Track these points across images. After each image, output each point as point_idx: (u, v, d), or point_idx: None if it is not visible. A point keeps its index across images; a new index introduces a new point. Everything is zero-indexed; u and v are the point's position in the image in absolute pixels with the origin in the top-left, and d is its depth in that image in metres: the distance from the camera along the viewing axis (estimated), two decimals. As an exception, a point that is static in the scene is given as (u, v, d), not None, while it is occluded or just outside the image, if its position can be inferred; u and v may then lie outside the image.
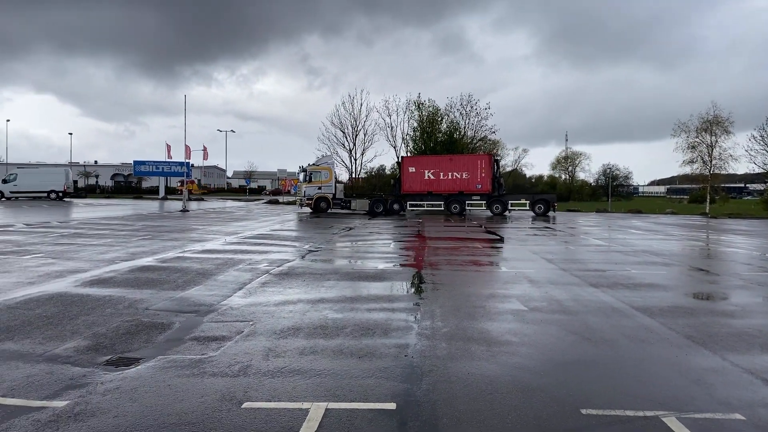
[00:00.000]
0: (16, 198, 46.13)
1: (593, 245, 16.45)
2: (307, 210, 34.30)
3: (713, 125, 39.92)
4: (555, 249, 15.42)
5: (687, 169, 42.33)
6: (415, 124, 51.45)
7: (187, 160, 45.23)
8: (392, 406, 4.01)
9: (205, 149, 57.06)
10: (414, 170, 33.93)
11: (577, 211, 41.06)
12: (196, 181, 41.87)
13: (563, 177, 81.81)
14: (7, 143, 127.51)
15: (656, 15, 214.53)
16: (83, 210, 31.89)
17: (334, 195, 34.07)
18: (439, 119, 50.90)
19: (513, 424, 3.74)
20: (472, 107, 51.46)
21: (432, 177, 33.59)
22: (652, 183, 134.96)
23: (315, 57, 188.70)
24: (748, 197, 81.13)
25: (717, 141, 40.16)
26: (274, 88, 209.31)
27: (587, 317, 6.93)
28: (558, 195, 66.82)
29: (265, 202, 53.20)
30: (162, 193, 59.91)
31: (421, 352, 5.30)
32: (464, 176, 33.29)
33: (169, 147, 47.30)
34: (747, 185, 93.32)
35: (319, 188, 33.82)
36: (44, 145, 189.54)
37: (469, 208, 33.57)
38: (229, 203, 50.11)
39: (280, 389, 4.31)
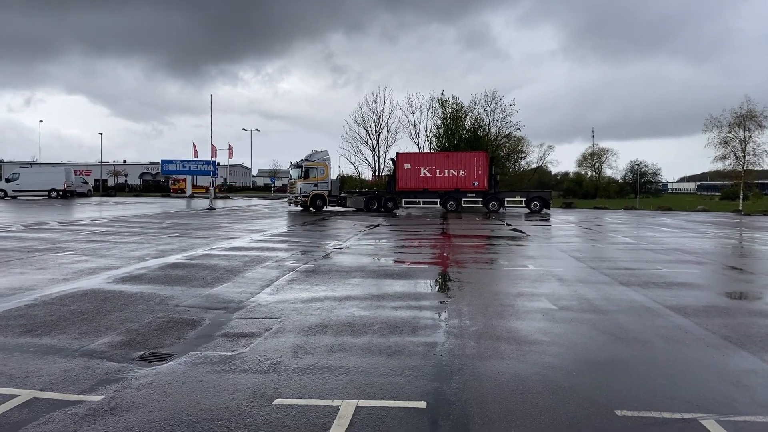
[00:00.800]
0: (15, 197, 45.80)
1: (622, 243, 16.14)
2: (297, 208, 32.94)
3: (747, 120, 38.78)
4: (583, 247, 15.18)
5: (719, 165, 41.20)
6: (439, 121, 51.35)
7: (213, 159, 45.94)
8: (423, 404, 3.98)
9: (230, 148, 57.98)
10: (409, 167, 33.50)
11: (604, 208, 40.31)
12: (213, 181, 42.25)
13: (589, 174, 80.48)
14: (40, 143, 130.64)
15: (688, 7, 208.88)
16: (113, 208, 32.59)
17: (330, 192, 33.26)
18: (463, 116, 50.61)
19: (546, 425, 3.68)
20: (496, 104, 51.09)
21: (428, 174, 33.23)
22: (682, 179, 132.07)
23: (339, 55, 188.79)
24: (784, 194, 78.67)
25: (750, 136, 39.03)
26: (298, 86, 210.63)
27: (619, 316, 6.80)
28: (584, 192, 66.31)
29: (289, 200, 53.54)
30: (189, 191, 60.94)
31: (450, 351, 5.27)
32: (461, 174, 32.96)
33: (195, 146, 48.16)
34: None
35: (315, 185, 32.78)
36: (75, 144, 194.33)
37: (466, 205, 33.28)
38: (255, 201, 50.63)
39: (310, 386, 4.32)
